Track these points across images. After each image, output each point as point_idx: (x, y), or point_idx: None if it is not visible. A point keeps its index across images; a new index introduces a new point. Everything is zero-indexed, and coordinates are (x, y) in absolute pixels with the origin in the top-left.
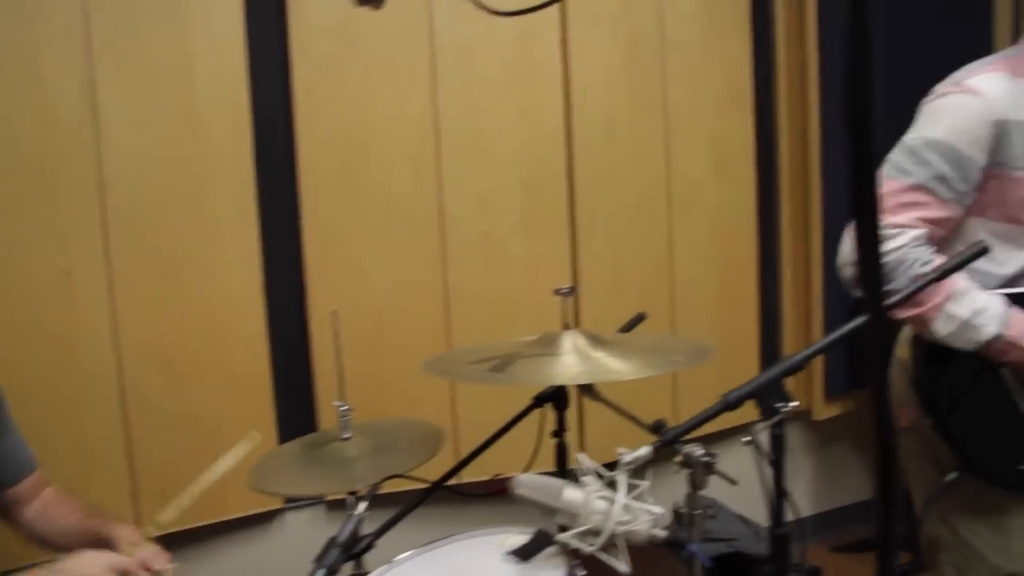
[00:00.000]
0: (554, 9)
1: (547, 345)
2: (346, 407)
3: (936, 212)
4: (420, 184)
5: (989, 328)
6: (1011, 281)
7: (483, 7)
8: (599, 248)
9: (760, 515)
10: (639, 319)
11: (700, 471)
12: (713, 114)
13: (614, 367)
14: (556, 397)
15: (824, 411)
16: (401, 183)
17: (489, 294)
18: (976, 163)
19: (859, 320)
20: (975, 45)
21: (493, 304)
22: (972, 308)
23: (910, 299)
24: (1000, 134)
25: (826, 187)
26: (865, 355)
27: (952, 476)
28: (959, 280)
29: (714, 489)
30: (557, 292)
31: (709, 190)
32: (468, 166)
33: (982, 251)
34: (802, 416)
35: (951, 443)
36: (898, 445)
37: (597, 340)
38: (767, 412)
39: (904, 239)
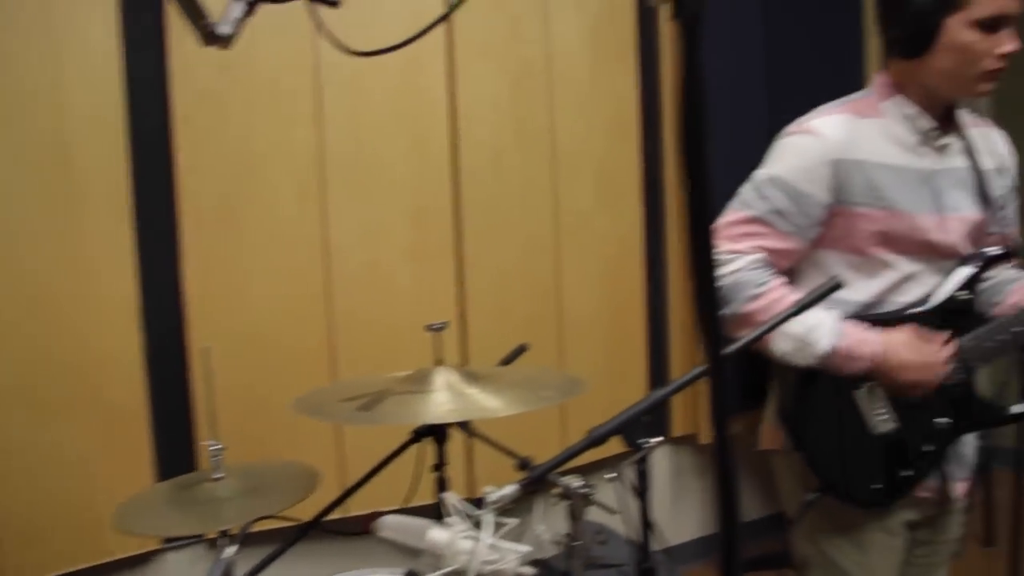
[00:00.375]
0: (441, 40)
1: (419, 382)
2: (218, 446)
3: (774, 243)
4: (305, 214)
5: (824, 342)
6: (865, 307)
7: (343, 48)
8: (486, 279)
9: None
10: (520, 351)
11: (579, 502)
12: (600, 145)
13: (484, 404)
14: (435, 431)
15: (711, 434)
16: (286, 213)
17: (375, 325)
18: (816, 200)
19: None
20: (851, 82)
21: (379, 336)
22: (806, 325)
23: (747, 321)
24: (839, 173)
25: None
26: (747, 379)
27: (812, 496)
28: (794, 299)
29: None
30: (429, 328)
31: (597, 220)
32: (354, 196)
33: (835, 287)
34: (690, 440)
35: (811, 465)
36: (736, 473)
37: (470, 376)
38: (632, 447)
39: (741, 263)
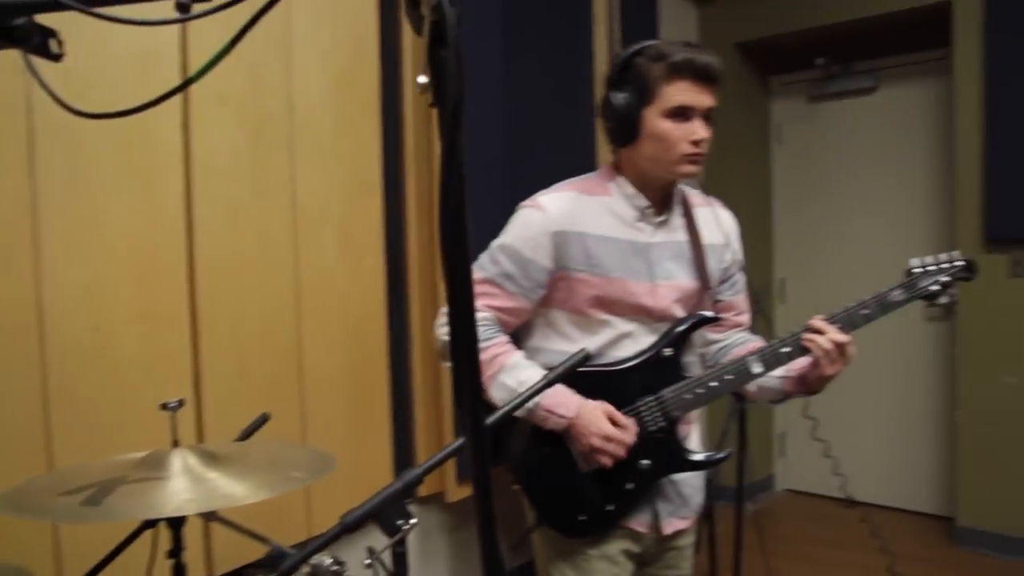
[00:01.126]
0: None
1: (154, 466)
2: None
3: (503, 302)
4: (13, 275)
5: None
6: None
7: (70, 109)
8: (224, 342)
9: None
10: (262, 421)
11: None
12: (342, 200)
13: (228, 491)
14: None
15: (457, 493)
16: None
17: (100, 399)
18: (539, 266)
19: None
20: (582, 164)
21: (105, 410)
22: (518, 379)
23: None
24: (559, 243)
25: None
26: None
27: (528, 527)
28: (513, 356)
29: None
30: (164, 407)
31: (338, 278)
32: (73, 254)
33: (585, 359)
34: (436, 499)
35: (529, 499)
36: (495, 520)
37: (211, 457)
38: (388, 530)
39: None
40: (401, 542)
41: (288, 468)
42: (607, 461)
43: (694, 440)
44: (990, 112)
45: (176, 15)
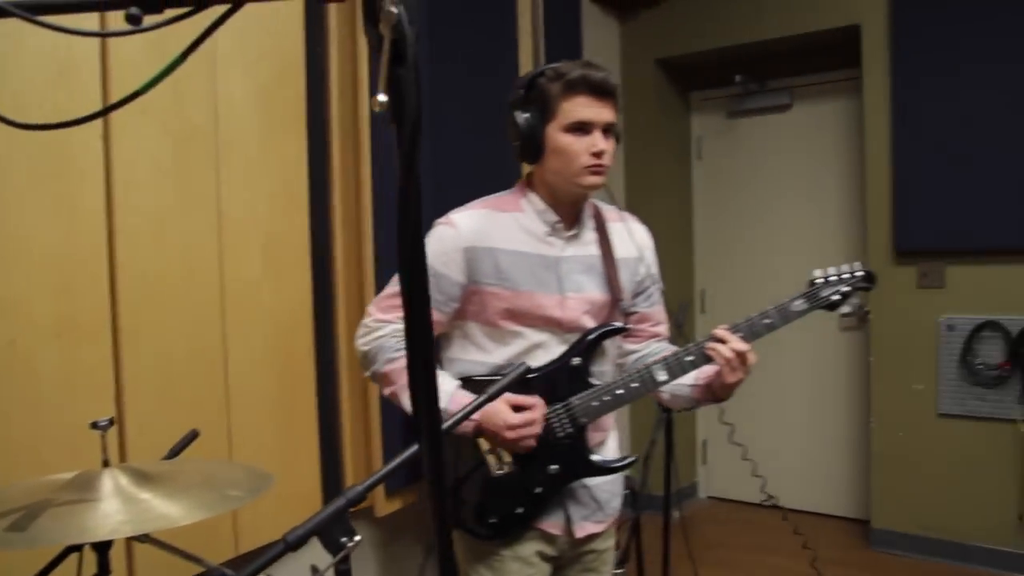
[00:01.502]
0: (97, 96)
1: (84, 488)
2: None
3: None
4: None
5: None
6: (499, 368)
7: (5, 120)
8: (147, 357)
9: None
10: (191, 438)
11: None
12: (268, 213)
13: (164, 511)
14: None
15: (386, 507)
16: None
17: (15, 416)
18: (452, 280)
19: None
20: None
21: (20, 429)
22: None
23: (386, 380)
24: (471, 258)
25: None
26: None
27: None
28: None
29: None
30: (95, 426)
31: (264, 291)
32: None
33: (524, 372)
34: (366, 513)
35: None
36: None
37: (143, 477)
38: (331, 547)
39: (386, 331)
40: (345, 559)
41: (224, 486)
42: (528, 445)
43: (611, 447)
44: (897, 129)
45: (128, 27)
